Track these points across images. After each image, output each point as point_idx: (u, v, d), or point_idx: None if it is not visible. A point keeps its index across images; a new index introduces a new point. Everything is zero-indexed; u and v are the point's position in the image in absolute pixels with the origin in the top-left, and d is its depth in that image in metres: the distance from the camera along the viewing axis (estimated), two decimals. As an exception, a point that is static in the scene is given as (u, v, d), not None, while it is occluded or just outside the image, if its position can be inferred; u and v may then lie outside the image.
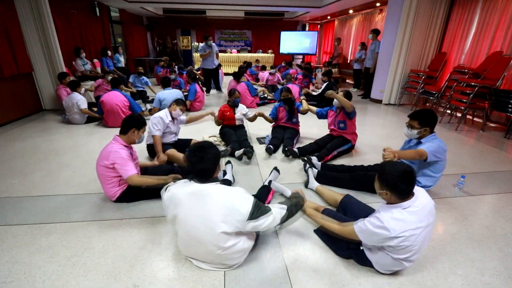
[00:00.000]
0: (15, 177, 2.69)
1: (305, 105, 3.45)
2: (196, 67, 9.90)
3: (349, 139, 3.21)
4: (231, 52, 11.25)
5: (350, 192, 2.28)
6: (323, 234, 1.85)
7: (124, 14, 9.38)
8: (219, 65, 7.21)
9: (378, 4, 7.61)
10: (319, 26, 12.87)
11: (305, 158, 2.78)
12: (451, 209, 2.23)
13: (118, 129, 2.22)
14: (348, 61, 9.63)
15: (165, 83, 4.72)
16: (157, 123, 2.82)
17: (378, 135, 4.07)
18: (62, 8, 5.77)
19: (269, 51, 11.46)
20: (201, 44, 6.54)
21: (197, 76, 6.47)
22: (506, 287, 1.52)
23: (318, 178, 2.54)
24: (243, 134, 3.59)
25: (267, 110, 3.82)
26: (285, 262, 1.66)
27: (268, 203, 2.21)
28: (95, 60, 6.92)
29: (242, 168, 2.91)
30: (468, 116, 4.78)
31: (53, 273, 1.56)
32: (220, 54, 9.76)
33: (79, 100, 4.23)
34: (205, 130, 4.04)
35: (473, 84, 4.25)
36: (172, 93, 4.51)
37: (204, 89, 6.69)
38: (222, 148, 3.22)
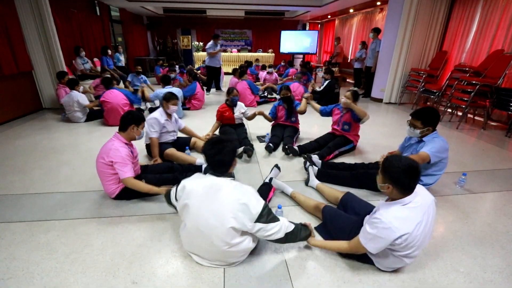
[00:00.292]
0: (15, 174, 2.68)
1: (303, 105, 3.41)
2: (196, 66, 9.89)
3: (351, 140, 3.19)
4: (231, 52, 11.24)
5: (350, 190, 2.25)
6: (324, 231, 1.84)
7: (124, 14, 9.38)
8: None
9: (378, 3, 7.59)
10: (319, 25, 12.86)
11: (305, 156, 2.76)
12: (452, 207, 2.22)
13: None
14: (349, 60, 9.61)
15: (165, 81, 4.71)
16: (153, 124, 2.80)
17: (379, 133, 4.05)
18: (62, 7, 5.77)
19: (270, 50, 11.45)
20: (210, 43, 6.56)
21: (198, 75, 6.46)
22: (509, 284, 1.51)
23: (319, 176, 2.53)
24: (243, 132, 3.57)
25: (267, 109, 3.79)
26: (285, 259, 1.65)
27: (269, 200, 2.20)
28: (95, 59, 6.92)
29: (242, 166, 2.90)
30: (469, 115, 4.77)
31: (51, 270, 1.55)
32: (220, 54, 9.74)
33: (80, 98, 4.22)
34: (205, 129, 4.02)
35: (474, 82, 4.24)
36: (172, 91, 4.49)
37: (205, 88, 6.70)
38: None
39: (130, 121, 2.15)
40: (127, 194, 2.21)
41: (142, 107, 5.27)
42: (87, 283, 1.47)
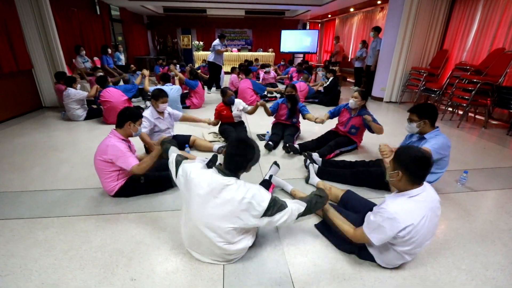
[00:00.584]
0: (14, 172, 2.67)
1: (310, 116, 3.28)
2: (196, 65, 9.88)
3: (354, 141, 3.16)
4: (231, 51, 11.23)
5: (351, 188, 2.24)
6: (324, 228, 1.83)
7: (125, 13, 9.37)
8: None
9: (379, 2, 7.58)
10: (319, 25, 12.85)
11: (306, 154, 2.74)
12: (454, 205, 2.20)
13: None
14: (349, 60, 9.60)
15: (165, 79, 4.69)
16: (142, 121, 2.74)
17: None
18: (62, 5, 5.76)
19: (270, 49, 11.43)
20: (216, 41, 6.63)
21: (199, 74, 6.45)
22: (511, 282, 1.49)
23: (319, 174, 2.51)
24: (243, 131, 3.56)
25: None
26: (285, 256, 1.64)
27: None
28: (95, 58, 6.91)
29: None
30: (470, 114, 4.75)
31: (49, 267, 1.53)
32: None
33: (78, 93, 4.19)
34: (204, 127, 4.01)
35: (475, 81, 4.22)
36: (172, 90, 4.48)
37: (206, 87, 6.71)
38: (221, 144, 3.19)
39: (127, 118, 2.13)
40: (126, 191, 2.20)
41: (142, 105, 5.26)
42: (85, 279, 1.45)
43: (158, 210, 2.07)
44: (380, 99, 6.16)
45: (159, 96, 2.84)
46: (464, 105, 4.37)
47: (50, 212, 2.04)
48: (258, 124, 4.20)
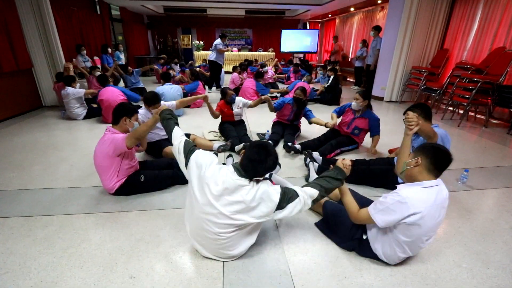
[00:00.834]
0: (13, 170, 2.67)
1: (319, 121, 3.26)
2: (196, 65, 9.88)
3: (356, 141, 3.15)
4: (231, 51, 11.22)
5: (351, 187, 2.23)
6: (324, 227, 1.82)
7: (125, 12, 9.37)
8: None
9: (379, 1, 7.57)
10: (320, 24, 12.84)
11: (306, 152, 2.74)
12: (455, 203, 2.19)
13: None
14: (350, 59, 9.59)
15: (165, 78, 4.69)
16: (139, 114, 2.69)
17: (380, 131, 4.02)
18: (62, 5, 5.76)
19: (270, 49, 11.43)
20: (218, 40, 6.66)
21: (199, 74, 6.45)
22: (512, 280, 1.49)
23: (319, 172, 2.50)
24: (243, 130, 3.55)
25: (265, 107, 3.72)
26: (285, 254, 1.63)
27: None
28: (96, 58, 6.90)
29: (242, 163, 2.88)
30: (470, 113, 4.73)
31: (48, 265, 1.53)
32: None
33: (77, 91, 4.19)
34: (204, 126, 4.01)
35: (475, 80, 4.21)
36: (172, 89, 4.49)
37: (207, 86, 6.71)
38: (222, 143, 3.18)
39: (122, 113, 2.10)
40: (125, 189, 2.19)
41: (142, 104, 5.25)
42: (84, 277, 1.45)
43: (158, 208, 2.06)
44: (380, 99, 6.15)
45: (151, 103, 2.72)
46: (465, 104, 4.36)
47: (50, 210, 2.03)
48: (258, 123, 4.19)
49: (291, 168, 2.77)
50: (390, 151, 3.09)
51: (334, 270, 1.52)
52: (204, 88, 5.62)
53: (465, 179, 2.48)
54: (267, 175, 2.28)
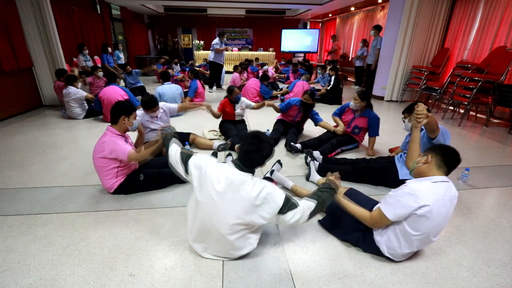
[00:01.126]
0: (13, 169, 2.67)
1: (326, 125, 3.27)
2: (196, 64, 9.88)
3: (356, 140, 3.15)
4: (232, 51, 11.22)
5: (352, 185, 2.23)
6: (328, 223, 1.80)
7: (125, 12, 9.37)
8: None
9: (380, 1, 7.56)
10: (320, 24, 12.84)
11: (307, 151, 2.73)
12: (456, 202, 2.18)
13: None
14: (350, 59, 9.58)
15: (165, 77, 4.68)
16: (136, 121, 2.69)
17: (381, 130, 3.97)
18: (62, 4, 5.76)
19: (270, 49, 11.42)
20: (216, 39, 6.60)
21: (199, 73, 6.44)
22: (514, 278, 1.48)
23: (320, 171, 2.50)
24: (243, 129, 3.55)
25: (269, 109, 3.71)
26: (286, 253, 1.62)
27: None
28: (96, 57, 6.91)
29: (242, 162, 2.87)
30: (471, 113, 4.73)
31: (47, 262, 1.52)
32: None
33: (78, 92, 4.20)
34: (205, 125, 4.00)
35: (476, 79, 4.20)
36: (171, 88, 4.48)
37: (206, 86, 6.68)
38: (222, 142, 3.18)
39: (120, 112, 2.08)
40: (125, 188, 2.19)
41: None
42: (83, 275, 1.44)
43: (158, 207, 2.06)
44: (381, 98, 6.14)
45: (149, 107, 2.73)
46: (466, 103, 4.35)
47: (49, 208, 2.03)
48: (259, 122, 4.19)
49: (292, 167, 2.76)
50: (391, 150, 3.09)
51: (334, 268, 1.51)
52: (204, 88, 5.60)
53: (466, 178, 2.47)
54: (268, 174, 2.28)
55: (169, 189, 2.31)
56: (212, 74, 6.99)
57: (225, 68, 7.82)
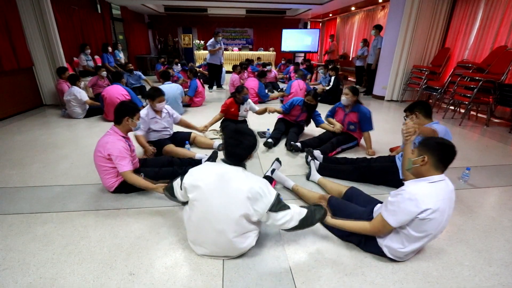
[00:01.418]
0: (13, 168, 2.66)
1: (326, 126, 3.30)
2: (197, 64, 9.88)
3: (355, 137, 3.15)
4: (232, 50, 11.22)
5: (353, 185, 2.22)
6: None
7: (125, 12, 9.37)
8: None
9: (380, 0, 7.55)
10: (320, 24, 12.82)
11: (307, 150, 2.73)
12: (457, 201, 2.11)
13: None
14: (350, 59, 9.57)
15: (165, 77, 4.68)
16: (139, 122, 2.70)
17: (381, 129, 4.01)
18: (63, 4, 5.76)
19: (271, 49, 11.41)
20: (211, 40, 6.55)
21: (198, 73, 6.42)
22: (515, 278, 1.47)
23: (320, 170, 2.49)
24: (255, 134, 3.53)
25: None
26: (286, 252, 1.62)
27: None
28: (96, 57, 6.91)
29: (243, 161, 2.87)
30: (472, 112, 4.72)
31: (47, 261, 1.52)
32: (221, 52, 9.71)
33: (80, 93, 4.21)
34: (205, 124, 3.99)
35: (477, 78, 4.19)
36: (172, 88, 4.47)
37: (206, 85, 6.67)
38: (222, 141, 3.17)
39: (124, 113, 2.09)
40: (125, 187, 2.18)
41: (144, 103, 5.24)
42: (83, 274, 1.44)
43: (158, 206, 2.06)
44: (381, 98, 6.13)
45: (155, 96, 2.75)
46: (466, 103, 4.34)
47: (49, 207, 2.03)
48: (259, 122, 4.18)
49: (292, 166, 2.76)
50: (392, 150, 3.08)
51: (335, 268, 1.51)
52: (203, 87, 5.59)
53: (467, 177, 2.46)
54: (268, 173, 2.28)
55: (169, 188, 2.30)
56: (210, 75, 6.97)
57: (225, 68, 7.82)
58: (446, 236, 1.78)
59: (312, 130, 3.78)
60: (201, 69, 8.17)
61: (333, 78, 5.79)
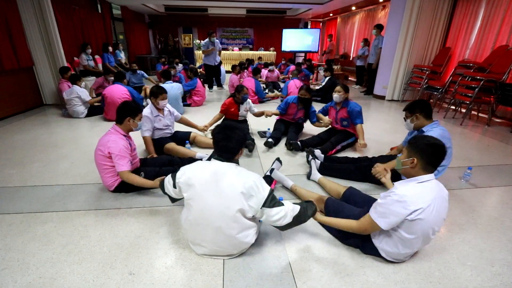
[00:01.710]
0: (13, 167, 2.66)
1: (321, 120, 3.30)
2: (197, 64, 9.87)
3: (352, 133, 3.14)
4: (232, 50, 11.21)
5: (353, 184, 2.22)
6: (329, 226, 1.79)
7: (126, 11, 9.36)
8: (220, 62, 7.16)
9: (381, 0, 7.54)
10: (321, 23, 12.81)
11: (308, 149, 2.72)
12: (458, 201, 2.17)
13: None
14: (351, 59, 9.56)
15: (166, 76, 4.67)
16: (144, 122, 2.67)
17: (382, 129, 4.01)
18: (63, 3, 5.75)
19: (271, 48, 11.41)
20: (205, 41, 6.49)
21: (199, 73, 6.41)
22: (518, 278, 1.46)
23: (321, 170, 2.48)
24: (245, 129, 3.53)
25: (268, 107, 3.73)
26: (287, 252, 1.61)
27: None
28: (97, 56, 6.90)
29: (244, 161, 2.86)
30: (473, 112, 4.70)
31: (47, 261, 1.51)
32: (222, 52, 9.67)
33: (82, 93, 4.21)
34: (205, 123, 3.98)
35: (478, 78, 4.17)
36: (172, 87, 4.46)
37: (206, 85, 6.65)
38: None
39: (126, 113, 2.10)
40: (125, 187, 2.17)
41: (144, 103, 5.24)
42: (83, 273, 1.43)
43: (158, 205, 2.05)
44: (382, 98, 6.12)
45: (158, 93, 2.78)
46: (467, 102, 4.33)
47: (49, 206, 2.02)
48: (260, 122, 4.17)
49: (292, 165, 2.75)
50: (392, 149, 3.07)
51: (336, 268, 1.50)
52: (204, 87, 5.58)
53: (468, 177, 2.45)
54: (268, 173, 2.27)
55: (170, 187, 2.29)
56: (207, 76, 6.95)
57: (224, 68, 7.80)
58: (448, 236, 1.77)
59: (311, 129, 3.77)
60: (201, 69, 8.16)
61: (327, 78, 5.83)
